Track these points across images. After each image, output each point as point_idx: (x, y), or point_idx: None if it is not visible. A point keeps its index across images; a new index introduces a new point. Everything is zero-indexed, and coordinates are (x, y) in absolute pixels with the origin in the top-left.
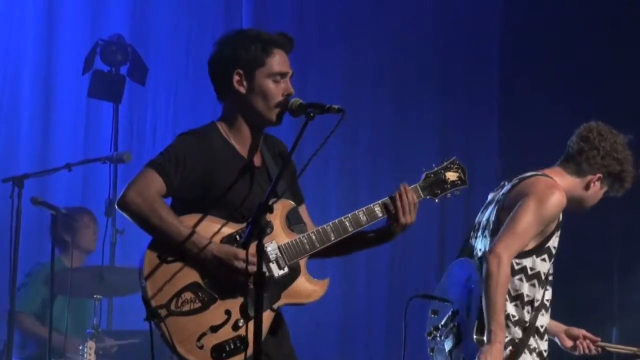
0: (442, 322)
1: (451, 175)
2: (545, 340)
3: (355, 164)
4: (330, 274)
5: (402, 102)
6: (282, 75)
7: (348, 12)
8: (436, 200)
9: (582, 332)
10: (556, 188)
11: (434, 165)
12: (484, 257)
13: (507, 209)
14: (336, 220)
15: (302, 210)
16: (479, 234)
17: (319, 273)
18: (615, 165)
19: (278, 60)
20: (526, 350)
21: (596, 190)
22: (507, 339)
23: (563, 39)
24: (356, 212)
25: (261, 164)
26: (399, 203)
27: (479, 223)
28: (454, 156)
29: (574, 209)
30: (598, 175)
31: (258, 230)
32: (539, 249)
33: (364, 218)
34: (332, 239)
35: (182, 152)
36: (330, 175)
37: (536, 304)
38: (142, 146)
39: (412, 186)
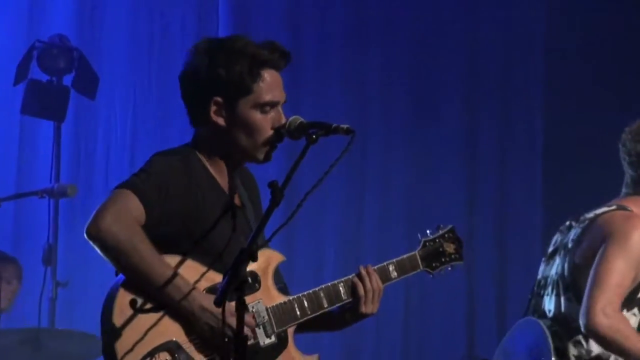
0: None
1: (449, 247)
2: None
3: (361, 198)
4: (327, 342)
5: (420, 111)
6: (273, 104)
7: (356, 10)
8: (431, 276)
9: None
10: (634, 218)
11: (428, 232)
12: (577, 329)
13: (584, 261)
14: (325, 286)
15: None
16: (549, 290)
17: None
18: None
19: (268, 86)
20: None
21: None
22: None
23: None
24: (335, 282)
25: (240, 203)
26: (361, 290)
27: (547, 277)
28: (451, 225)
29: None
30: None
31: (238, 283)
32: (629, 301)
33: (343, 290)
34: (325, 306)
35: (165, 177)
36: (330, 213)
37: None
38: (92, 177)
39: (410, 254)
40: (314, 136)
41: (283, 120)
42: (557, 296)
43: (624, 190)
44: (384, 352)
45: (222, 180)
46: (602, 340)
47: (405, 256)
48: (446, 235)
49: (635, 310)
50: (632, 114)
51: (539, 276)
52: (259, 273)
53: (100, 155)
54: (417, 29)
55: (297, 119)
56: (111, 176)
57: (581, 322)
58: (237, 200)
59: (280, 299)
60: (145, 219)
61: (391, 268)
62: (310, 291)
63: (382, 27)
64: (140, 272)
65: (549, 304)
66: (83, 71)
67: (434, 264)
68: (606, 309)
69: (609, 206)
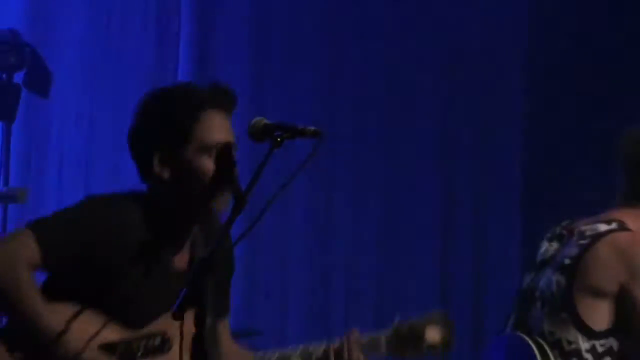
0: None
1: (433, 334)
2: None
3: (330, 204)
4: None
5: (395, 109)
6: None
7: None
8: None
9: None
10: None
11: (411, 315)
12: (571, 353)
13: (586, 285)
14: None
15: (223, 328)
16: (538, 305)
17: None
18: None
19: (215, 126)
20: None
21: None
22: None
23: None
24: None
25: (187, 265)
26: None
27: (534, 290)
28: (445, 310)
29: None
30: None
31: (195, 295)
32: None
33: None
34: None
35: (84, 234)
36: (297, 220)
37: None
38: (43, 181)
39: (372, 336)
40: (278, 139)
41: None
42: (549, 314)
43: (618, 199)
44: None
45: (168, 239)
46: None
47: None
48: (434, 320)
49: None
50: (616, 116)
51: (524, 286)
52: (172, 335)
53: (52, 158)
54: (394, 25)
55: (261, 120)
56: (65, 180)
57: None
58: (183, 263)
59: None
60: (40, 266)
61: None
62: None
63: (357, 20)
64: (21, 319)
65: (536, 320)
66: (35, 68)
67: (405, 351)
68: None
69: (607, 222)
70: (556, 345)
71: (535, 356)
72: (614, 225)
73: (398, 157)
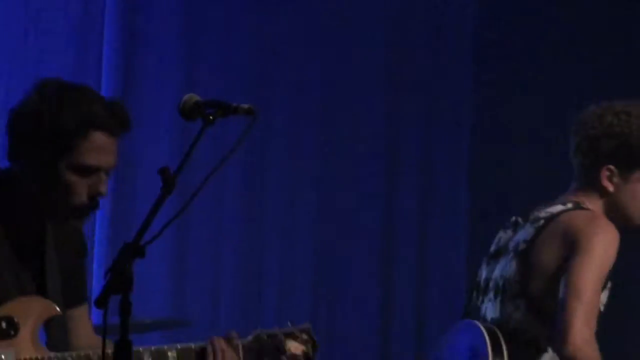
0: None
1: (294, 347)
2: None
3: (264, 189)
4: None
5: (334, 91)
6: (93, 170)
7: None
8: None
9: None
10: (600, 220)
11: (276, 326)
12: (528, 342)
13: (543, 267)
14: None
15: (80, 315)
16: (491, 296)
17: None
18: (612, 141)
19: (94, 149)
20: None
21: (624, 187)
22: None
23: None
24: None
25: (32, 253)
26: None
27: (488, 280)
28: (309, 324)
29: (626, 227)
30: (605, 167)
31: (120, 280)
32: None
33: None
34: None
35: None
36: (229, 205)
37: None
38: None
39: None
40: (210, 117)
41: (103, 189)
42: (502, 303)
43: (573, 184)
44: None
45: (20, 224)
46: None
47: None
48: (296, 334)
49: None
50: (562, 104)
51: (479, 278)
52: (19, 320)
53: None
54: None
55: (192, 97)
56: None
57: (560, 336)
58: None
59: (40, 353)
60: None
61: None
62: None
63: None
64: None
65: (490, 310)
66: None
67: None
68: (585, 334)
69: (563, 204)
70: (512, 333)
71: (485, 342)
72: (569, 206)
73: (336, 139)
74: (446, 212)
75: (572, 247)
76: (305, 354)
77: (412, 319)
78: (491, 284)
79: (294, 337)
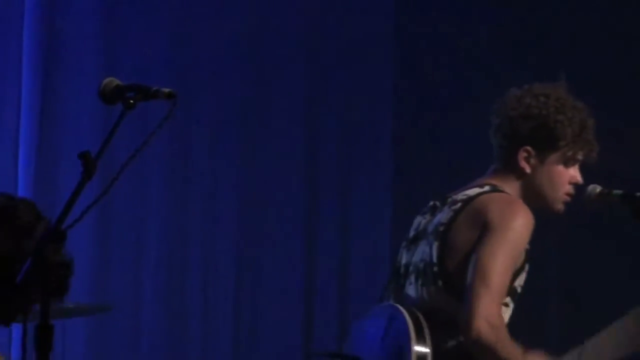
0: None
1: None
2: None
3: (188, 169)
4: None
5: (257, 78)
6: None
7: None
8: None
9: None
10: (515, 202)
11: None
12: (447, 322)
13: (459, 248)
14: None
15: None
16: (412, 279)
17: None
18: (529, 122)
19: None
20: None
21: (541, 168)
22: None
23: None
24: None
25: None
26: None
27: (408, 265)
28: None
29: (542, 210)
30: (522, 149)
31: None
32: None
33: None
34: None
35: None
36: (152, 190)
37: None
38: None
39: None
40: (131, 101)
41: None
42: (423, 286)
43: (492, 166)
44: (213, 343)
45: None
46: (482, 349)
47: None
48: None
49: (508, 299)
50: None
51: (399, 263)
52: None
53: None
54: None
55: (112, 81)
56: None
57: (464, 322)
58: None
59: None
60: None
61: None
62: None
63: None
64: None
65: (411, 294)
66: None
67: None
68: (490, 318)
69: (480, 186)
70: (433, 315)
71: (407, 327)
72: (486, 188)
73: (258, 118)
74: (370, 195)
75: (484, 229)
76: None
77: (335, 303)
78: (411, 268)
79: None
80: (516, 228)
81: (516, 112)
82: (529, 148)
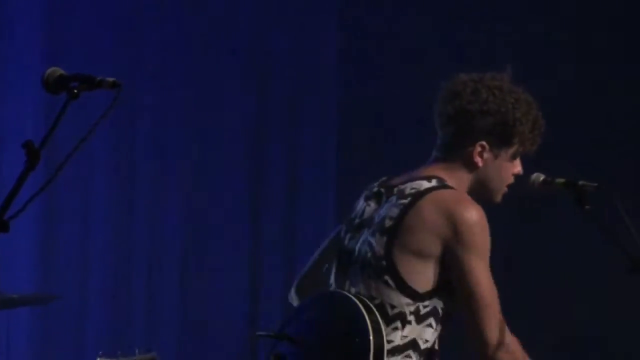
0: None
1: None
2: None
3: (134, 158)
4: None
5: (201, 63)
6: None
7: None
8: None
9: None
10: (474, 208)
11: (120, 352)
12: (394, 317)
13: (408, 247)
14: None
15: None
16: (356, 269)
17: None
18: (488, 118)
19: None
20: None
21: (492, 163)
22: None
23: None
24: None
25: None
26: None
27: (350, 252)
28: (155, 353)
29: (483, 201)
30: (478, 143)
31: None
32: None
33: None
34: None
35: None
36: (99, 173)
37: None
38: None
39: None
40: (75, 90)
41: None
42: (370, 278)
43: (434, 153)
44: (158, 331)
45: None
46: None
47: None
48: None
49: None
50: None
51: (343, 247)
52: None
53: None
54: None
55: (56, 70)
56: None
57: (482, 355)
58: None
59: None
60: None
61: None
62: None
63: None
64: None
65: (355, 284)
66: None
67: None
68: (505, 344)
69: (428, 179)
70: (379, 309)
71: (361, 312)
72: (434, 183)
73: (203, 101)
74: (315, 172)
75: (453, 243)
76: None
77: (281, 285)
78: (355, 257)
79: None
80: (483, 235)
81: (473, 107)
82: (484, 143)
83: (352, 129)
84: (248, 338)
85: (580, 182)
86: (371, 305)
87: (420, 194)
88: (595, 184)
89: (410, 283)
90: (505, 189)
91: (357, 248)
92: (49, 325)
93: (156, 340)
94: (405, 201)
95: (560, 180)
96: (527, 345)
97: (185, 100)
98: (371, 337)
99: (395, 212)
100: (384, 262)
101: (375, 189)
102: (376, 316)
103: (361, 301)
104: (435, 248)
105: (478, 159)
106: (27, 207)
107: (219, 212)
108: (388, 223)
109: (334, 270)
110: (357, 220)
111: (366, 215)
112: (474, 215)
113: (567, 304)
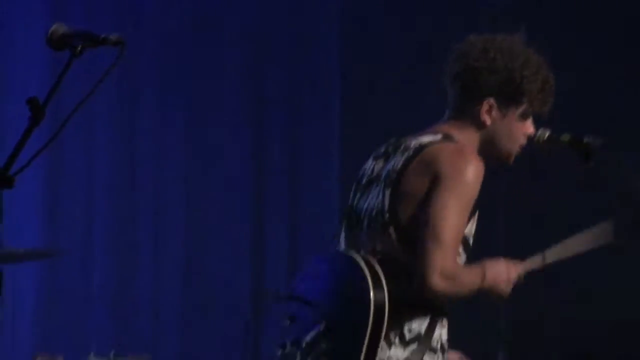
0: (308, 339)
1: None
2: (445, 358)
3: (137, 114)
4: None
5: (202, 30)
6: None
7: None
8: None
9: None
10: (466, 153)
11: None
12: (398, 272)
13: (410, 194)
14: None
15: None
16: (364, 226)
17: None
18: (496, 76)
19: None
20: None
21: (501, 122)
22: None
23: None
24: None
25: None
26: None
27: (360, 211)
28: (150, 355)
29: (495, 162)
30: (485, 101)
31: None
32: None
33: None
34: None
35: None
36: (102, 130)
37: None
38: None
39: None
40: (78, 48)
41: None
42: (375, 233)
43: (447, 113)
44: (163, 285)
45: None
46: (442, 298)
47: None
48: None
49: (460, 249)
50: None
51: (351, 208)
52: None
53: None
54: None
55: (60, 27)
56: None
57: (418, 277)
58: None
59: None
60: None
61: None
62: None
63: None
64: None
65: (365, 241)
66: None
67: None
68: (445, 270)
69: (434, 134)
70: (386, 263)
71: (365, 274)
72: (439, 137)
73: (204, 72)
74: (318, 146)
75: (435, 180)
76: None
77: (285, 248)
78: (364, 215)
79: None
80: (467, 179)
81: (480, 64)
82: (492, 101)
83: (355, 128)
84: (250, 287)
85: (586, 139)
86: (373, 262)
87: (422, 147)
88: (601, 140)
89: (411, 236)
90: (518, 150)
91: (365, 206)
92: (55, 280)
93: (161, 294)
94: (408, 154)
95: (566, 136)
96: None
97: (187, 60)
98: (371, 295)
99: (398, 165)
100: (387, 217)
101: (384, 149)
102: (377, 272)
103: (363, 258)
104: (425, 189)
105: (486, 117)
106: (31, 162)
107: (220, 177)
108: (392, 176)
109: (343, 232)
110: (365, 180)
111: (374, 173)
112: (469, 164)
113: None
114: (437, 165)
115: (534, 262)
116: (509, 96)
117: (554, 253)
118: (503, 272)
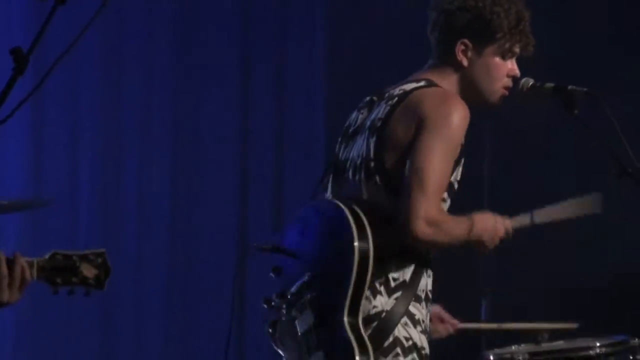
0: (293, 290)
1: (87, 270)
2: (429, 309)
3: (122, 60)
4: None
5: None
6: None
7: None
8: (53, 292)
9: (438, 311)
10: (450, 97)
11: (81, 250)
12: (384, 219)
13: (394, 141)
14: None
15: None
16: (349, 175)
17: None
18: (466, 14)
19: None
20: (406, 320)
21: (478, 61)
22: (375, 310)
23: None
24: None
25: None
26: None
27: (346, 160)
28: (104, 250)
29: (479, 105)
30: (460, 41)
31: None
32: None
33: None
34: None
35: None
36: (86, 78)
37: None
38: None
39: (29, 259)
40: None
41: None
42: (360, 181)
43: (430, 60)
44: (148, 235)
45: None
46: (426, 246)
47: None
48: (90, 257)
49: (445, 194)
50: None
51: (337, 157)
52: None
53: None
54: None
55: None
56: None
57: (402, 223)
58: None
59: None
60: None
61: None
62: None
63: None
64: None
65: (350, 189)
66: None
67: (57, 280)
68: (429, 217)
69: (416, 81)
70: (371, 210)
71: (349, 223)
72: (422, 83)
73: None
74: (303, 94)
75: (419, 125)
76: (96, 277)
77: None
78: (349, 163)
79: (89, 261)
80: (451, 124)
81: (452, 6)
82: (466, 41)
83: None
84: (237, 241)
85: (570, 87)
86: (358, 210)
87: (406, 94)
88: (585, 89)
89: (396, 182)
90: (503, 91)
91: (350, 155)
92: (39, 231)
93: (146, 243)
94: (392, 101)
95: (550, 85)
96: None
97: (172, 19)
98: (356, 243)
99: (383, 112)
100: (373, 164)
101: (368, 98)
102: (362, 221)
103: (348, 207)
104: (411, 135)
105: (462, 57)
106: (14, 112)
107: (207, 148)
108: (377, 124)
109: (330, 182)
110: (351, 130)
111: (359, 122)
112: (454, 109)
113: None
114: (421, 110)
115: (522, 221)
116: (481, 33)
117: (542, 215)
118: (491, 227)
